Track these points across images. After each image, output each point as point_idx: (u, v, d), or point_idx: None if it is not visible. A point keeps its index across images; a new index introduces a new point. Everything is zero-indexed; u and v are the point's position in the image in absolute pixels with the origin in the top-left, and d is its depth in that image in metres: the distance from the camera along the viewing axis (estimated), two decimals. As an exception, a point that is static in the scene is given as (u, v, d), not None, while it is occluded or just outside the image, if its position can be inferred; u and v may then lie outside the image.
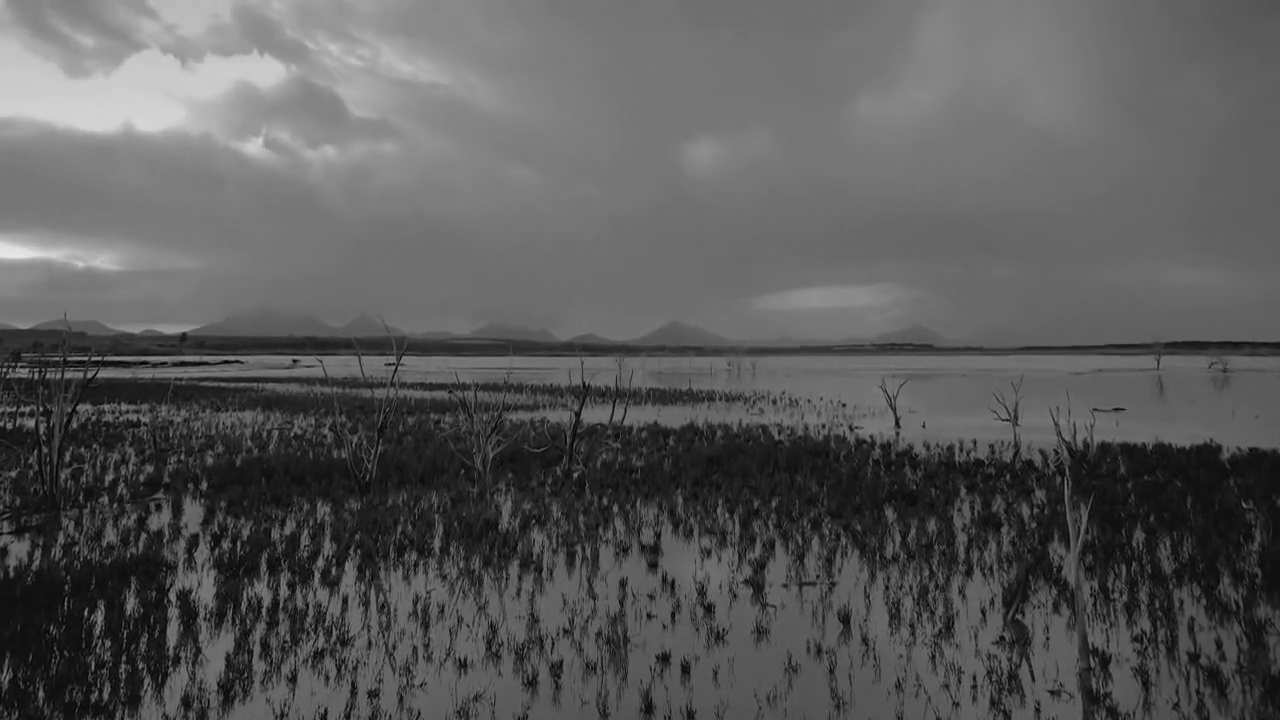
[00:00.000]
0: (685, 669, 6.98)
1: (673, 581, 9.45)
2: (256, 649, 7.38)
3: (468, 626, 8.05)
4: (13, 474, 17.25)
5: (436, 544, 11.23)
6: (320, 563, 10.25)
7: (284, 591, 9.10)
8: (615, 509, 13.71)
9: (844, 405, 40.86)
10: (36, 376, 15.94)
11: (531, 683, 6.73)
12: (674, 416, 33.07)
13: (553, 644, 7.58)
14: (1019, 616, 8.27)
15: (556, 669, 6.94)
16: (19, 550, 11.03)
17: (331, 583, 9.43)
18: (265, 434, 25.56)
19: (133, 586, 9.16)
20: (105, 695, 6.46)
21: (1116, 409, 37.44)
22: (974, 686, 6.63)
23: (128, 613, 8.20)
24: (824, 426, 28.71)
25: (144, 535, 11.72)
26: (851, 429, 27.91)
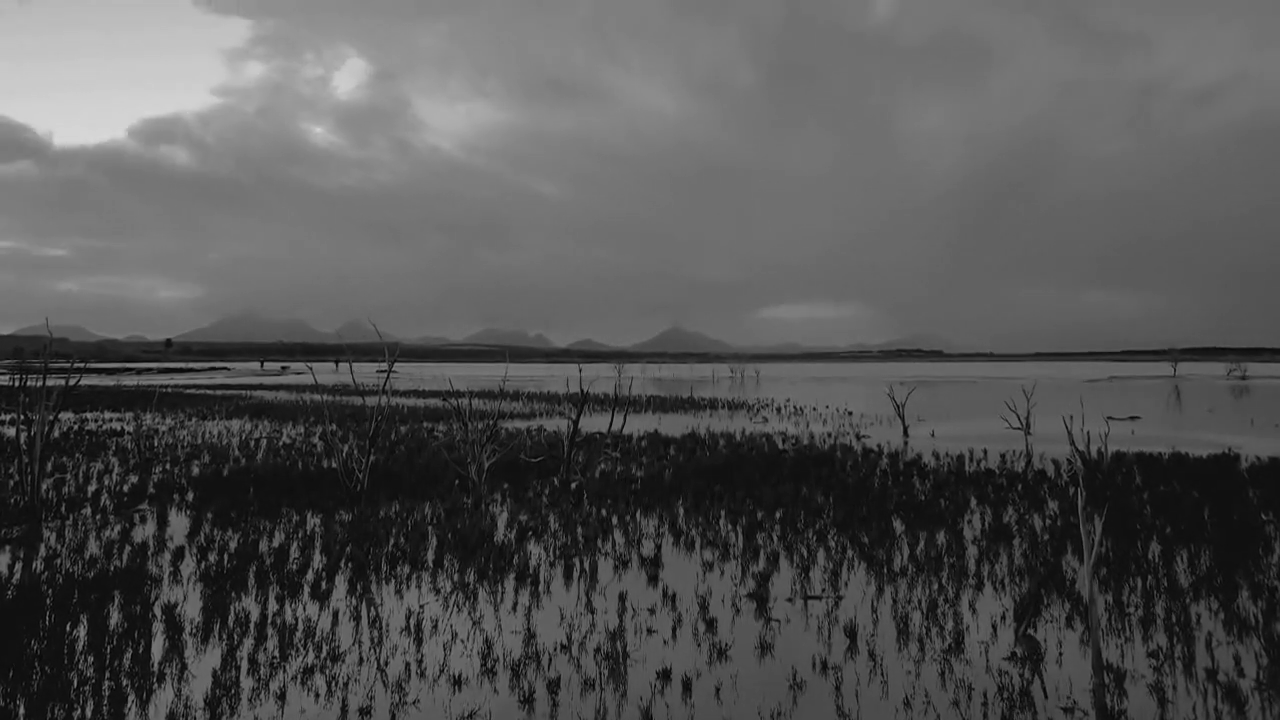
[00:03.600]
0: (687, 685, 6.98)
1: (674, 595, 9.45)
2: (244, 665, 7.38)
3: (462, 642, 8.05)
4: (-8, 484, 17.23)
5: (430, 557, 11.23)
6: (310, 576, 10.24)
7: (272, 606, 9.10)
8: (614, 521, 13.71)
9: (850, 413, 40.87)
10: (17, 383, 15.93)
11: (528, 700, 6.73)
12: (675, 425, 33.07)
13: (550, 660, 7.58)
14: (1031, 632, 8.27)
15: (554, 686, 6.94)
16: (-1, 563, 11.03)
17: (321, 597, 9.43)
18: (253, 443, 25.56)
19: (116, 600, 9.15)
20: (88, 713, 6.46)
21: (1132, 417, 37.44)
22: (985, 704, 6.64)
23: (111, 627, 8.20)
24: (830, 435, 28.72)
25: (128, 547, 11.72)
26: (858, 438, 27.91)
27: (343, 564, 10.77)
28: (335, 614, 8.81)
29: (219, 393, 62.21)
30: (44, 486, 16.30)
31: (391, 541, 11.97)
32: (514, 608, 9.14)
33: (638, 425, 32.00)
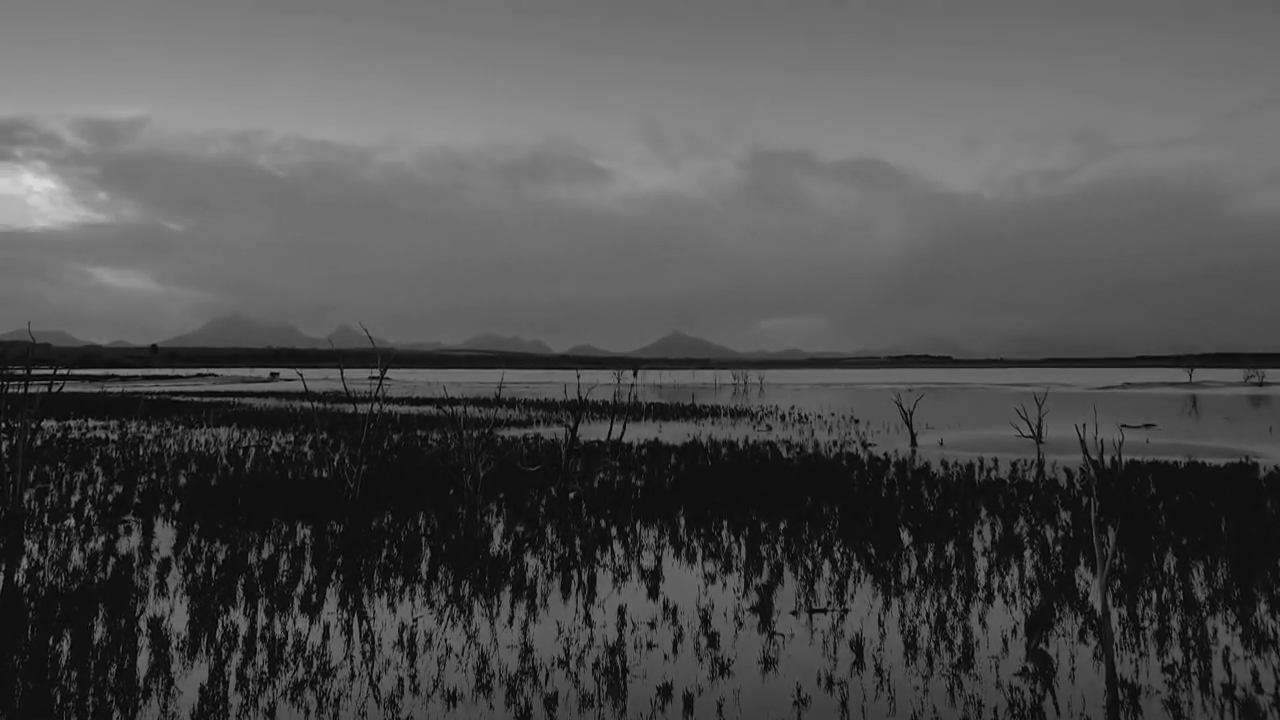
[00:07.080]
0: (688, 702, 6.98)
1: (675, 608, 9.46)
2: (232, 680, 7.37)
3: (457, 656, 8.05)
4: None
5: (424, 568, 11.23)
6: (300, 588, 10.24)
7: (261, 619, 9.10)
8: (614, 531, 13.71)
9: (856, 421, 40.88)
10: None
11: (524, 716, 6.73)
12: (676, 433, 33.08)
13: (547, 675, 7.58)
14: (1043, 646, 8.27)
15: (551, 701, 6.94)
16: (-20, 575, 11.03)
17: (312, 610, 9.43)
18: (242, 452, 25.55)
19: (101, 614, 9.15)
20: (71, 729, 6.45)
21: (1146, 425, 37.45)
22: (995, 720, 6.63)
23: (96, 641, 8.20)
24: (835, 444, 28.72)
25: (113, 559, 11.71)
26: (865, 446, 27.91)
27: (334, 576, 10.77)
28: (326, 627, 8.81)
29: (206, 400, 62.19)
30: (26, 497, 16.30)
31: (384, 553, 11.97)
32: (510, 621, 9.14)
33: (638, 433, 32.01)
